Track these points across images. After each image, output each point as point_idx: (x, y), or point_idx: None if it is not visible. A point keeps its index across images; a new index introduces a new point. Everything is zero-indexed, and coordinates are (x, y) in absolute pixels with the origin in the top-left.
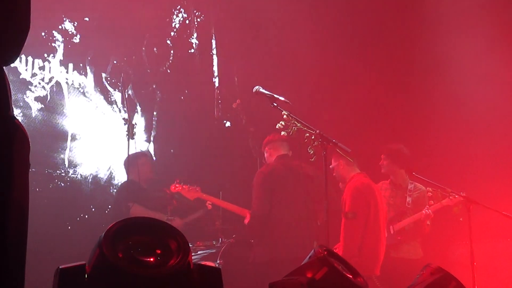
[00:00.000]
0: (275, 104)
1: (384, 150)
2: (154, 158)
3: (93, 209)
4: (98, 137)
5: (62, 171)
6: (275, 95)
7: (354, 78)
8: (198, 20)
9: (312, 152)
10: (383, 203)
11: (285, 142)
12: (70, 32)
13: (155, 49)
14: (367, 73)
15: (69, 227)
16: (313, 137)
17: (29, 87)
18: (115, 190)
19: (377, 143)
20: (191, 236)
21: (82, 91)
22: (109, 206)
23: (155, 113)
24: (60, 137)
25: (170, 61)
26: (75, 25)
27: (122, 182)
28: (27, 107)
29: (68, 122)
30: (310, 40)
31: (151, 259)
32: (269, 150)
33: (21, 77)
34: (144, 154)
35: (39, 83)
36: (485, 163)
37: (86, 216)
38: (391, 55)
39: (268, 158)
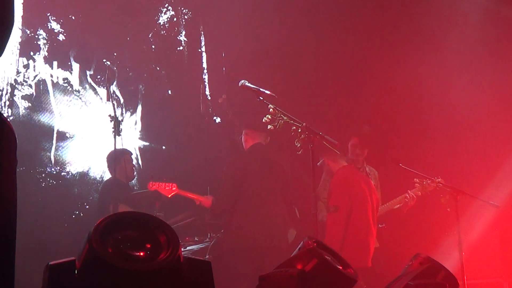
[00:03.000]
0: (261, 98)
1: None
2: (138, 155)
3: (87, 207)
4: (85, 134)
5: (53, 169)
6: (261, 89)
7: (340, 71)
8: (185, 17)
9: (299, 145)
10: (373, 195)
11: (263, 132)
12: (55, 30)
13: (144, 47)
14: (353, 66)
15: (65, 225)
16: (299, 130)
17: (15, 85)
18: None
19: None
20: (180, 232)
21: (68, 88)
22: None
23: (140, 109)
24: (48, 135)
25: (158, 58)
26: (60, 22)
27: (106, 179)
28: (14, 105)
29: (55, 119)
30: (297, 34)
31: (141, 254)
32: (245, 136)
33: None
34: (128, 152)
35: (26, 81)
36: (472, 153)
37: (81, 214)
38: (378, 47)
39: (244, 143)
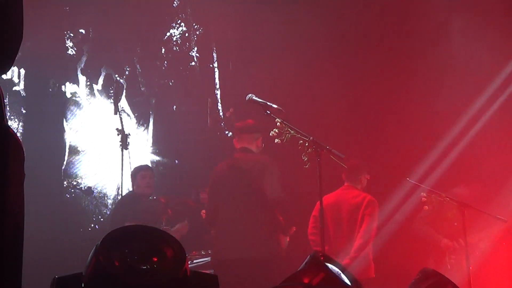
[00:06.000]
0: (268, 112)
1: None
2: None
3: (102, 219)
4: (97, 148)
5: (65, 183)
6: (268, 103)
7: (348, 85)
8: (197, 33)
9: (306, 159)
10: (342, 215)
11: (247, 134)
12: (65, 44)
13: (158, 62)
14: (361, 80)
15: (81, 238)
16: (306, 144)
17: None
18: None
19: (370, 149)
20: (187, 245)
21: (78, 102)
22: None
23: (152, 123)
24: (59, 149)
25: (171, 73)
26: (71, 36)
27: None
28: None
29: (66, 133)
30: (306, 49)
31: (148, 267)
32: (233, 140)
33: (14, 89)
34: (144, 168)
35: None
36: (479, 167)
37: (96, 227)
38: (384, 60)
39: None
